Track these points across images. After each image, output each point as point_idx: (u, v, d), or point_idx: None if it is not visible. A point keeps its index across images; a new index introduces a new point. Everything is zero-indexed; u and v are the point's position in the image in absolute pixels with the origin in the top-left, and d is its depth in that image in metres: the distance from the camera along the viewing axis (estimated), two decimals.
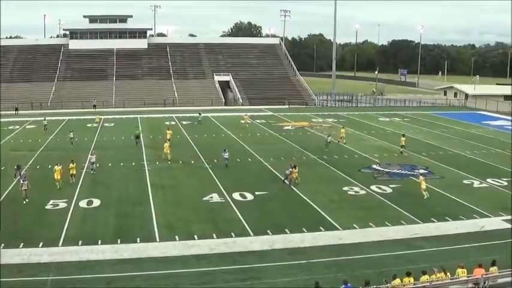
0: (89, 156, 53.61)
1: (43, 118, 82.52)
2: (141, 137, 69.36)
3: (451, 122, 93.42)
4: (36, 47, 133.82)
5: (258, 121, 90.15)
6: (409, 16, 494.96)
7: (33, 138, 71.71)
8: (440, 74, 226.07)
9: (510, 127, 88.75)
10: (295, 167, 49.14)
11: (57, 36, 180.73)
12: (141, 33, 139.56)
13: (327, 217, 39.83)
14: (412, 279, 25.86)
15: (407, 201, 43.99)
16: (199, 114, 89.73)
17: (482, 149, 68.03)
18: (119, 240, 34.33)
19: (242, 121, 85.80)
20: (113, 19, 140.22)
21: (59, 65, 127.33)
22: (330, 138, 66.36)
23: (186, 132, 77.39)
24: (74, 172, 48.46)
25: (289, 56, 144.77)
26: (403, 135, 66.32)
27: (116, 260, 31.48)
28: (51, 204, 41.74)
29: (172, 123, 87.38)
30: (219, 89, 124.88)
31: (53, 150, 63.93)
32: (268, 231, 36.49)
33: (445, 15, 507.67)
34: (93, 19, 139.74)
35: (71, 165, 48.37)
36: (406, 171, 54.82)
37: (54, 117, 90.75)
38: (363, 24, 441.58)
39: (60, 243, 33.95)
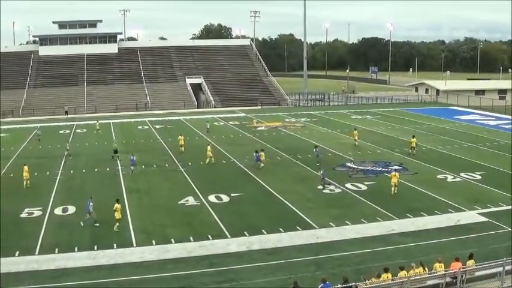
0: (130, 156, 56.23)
1: (37, 128, 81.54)
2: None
3: (423, 118, 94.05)
4: (6, 55, 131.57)
5: (231, 122, 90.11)
6: (378, 14, 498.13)
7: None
8: (411, 70, 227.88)
9: (481, 121, 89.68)
10: (262, 150, 54.48)
11: (27, 42, 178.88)
12: (111, 38, 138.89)
13: (303, 216, 39.89)
14: (390, 275, 26.00)
15: (383, 198, 44.20)
16: (207, 122, 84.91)
17: (454, 143, 68.60)
18: (95, 247, 34.05)
19: (249, 124, 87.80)
20: (82, 24, 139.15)
21: (30, 71, 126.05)
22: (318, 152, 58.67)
23: (160, 136, 77.12)
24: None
25: (260, 57, 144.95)
26: (413, 137, 63.62)
27: (92, 266, 31.19)
28: (26, 213, 41.19)
29: (146, 127, 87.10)
30: (191, 91, 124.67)
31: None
32: (245, 232, 36.46)
33: (414, 12, 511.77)
34: (62, 25, 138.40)
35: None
36: (381, 168, 55.08)
37: (25, 125, 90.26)
38: (332, 23, 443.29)
39: (37, 251, 33.56)
